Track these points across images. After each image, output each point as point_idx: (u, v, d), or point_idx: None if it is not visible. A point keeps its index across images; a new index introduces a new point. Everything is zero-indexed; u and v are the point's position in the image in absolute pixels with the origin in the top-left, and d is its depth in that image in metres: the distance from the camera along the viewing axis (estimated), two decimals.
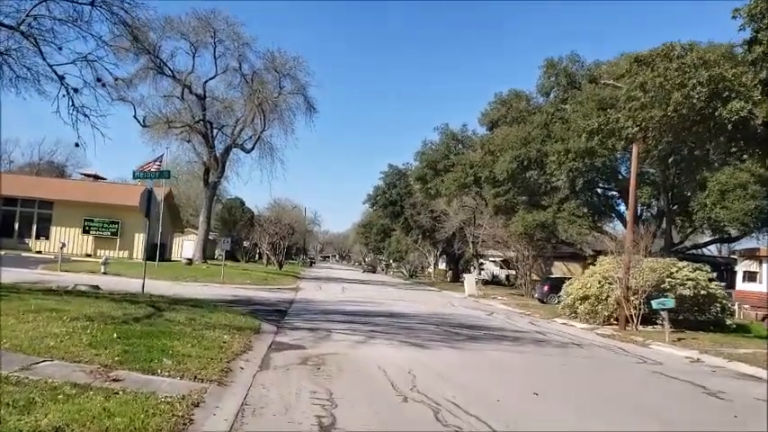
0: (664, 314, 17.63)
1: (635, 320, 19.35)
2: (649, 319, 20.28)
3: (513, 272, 59.68)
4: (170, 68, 41.64)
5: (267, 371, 8.63)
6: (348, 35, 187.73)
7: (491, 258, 58.65)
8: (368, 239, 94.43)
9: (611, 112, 19.33)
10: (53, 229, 39.86)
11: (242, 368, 8.37)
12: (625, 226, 39.82)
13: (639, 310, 19.51)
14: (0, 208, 38.95)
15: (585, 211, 31.96)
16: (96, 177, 48.11)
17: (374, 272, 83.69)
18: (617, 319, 21.17)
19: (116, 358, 7.46)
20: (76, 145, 14.37)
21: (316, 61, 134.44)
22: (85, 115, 14.51)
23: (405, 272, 69.14)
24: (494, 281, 55.60)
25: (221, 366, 7.97)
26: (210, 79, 42.69)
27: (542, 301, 32.79)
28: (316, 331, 13.55)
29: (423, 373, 9.25)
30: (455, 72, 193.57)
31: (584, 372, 11.49)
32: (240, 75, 43.09)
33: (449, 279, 62.46)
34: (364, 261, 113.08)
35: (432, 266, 74.45)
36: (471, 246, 47.59)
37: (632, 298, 19.94)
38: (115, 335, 8.87)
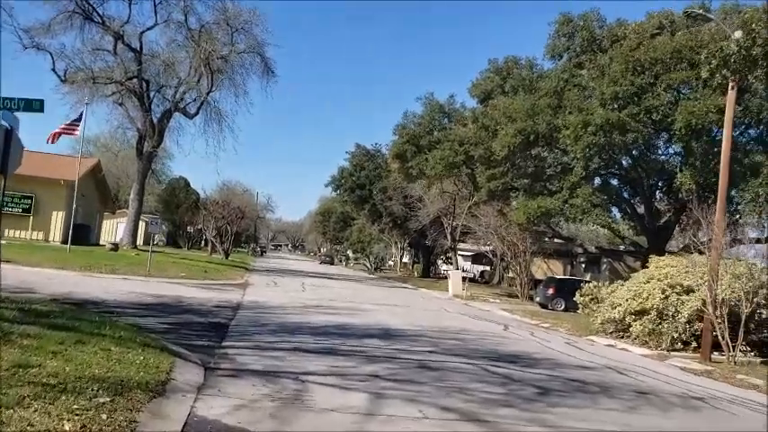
0: None
1: (731, 348, 13.65)
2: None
3: (488, 268, 54.46)
4: (99, 14, 34.28)
5: None
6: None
7: (460, 252, 53.04)
8: (326, 228, 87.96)
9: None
10: None
11: None
12: (630, 219, 34.36)
13: (746, 332, 13.93)
14: None
15: (603, 198, 26.42)
16: None
17: (332, 263, 77.05)
18: (686, 343, 15.67)
19: None
20: None
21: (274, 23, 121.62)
22: None
23: (368, 264, 62.83)
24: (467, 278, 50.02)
25: None
26: (149, 29, 35.30)
27: (545, 307, 27.32)
28: (276, 380, 7.33)
29: None
30: (439, 42, 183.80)
31: None
32: (186, 28, 35.82)
33: (416, 274, 56.65)
34: (320, 251, 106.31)
35: (396, 259, 68.57)
36: (450, 237, 41.73)
37: (717, 314, 14.25)
38: None
